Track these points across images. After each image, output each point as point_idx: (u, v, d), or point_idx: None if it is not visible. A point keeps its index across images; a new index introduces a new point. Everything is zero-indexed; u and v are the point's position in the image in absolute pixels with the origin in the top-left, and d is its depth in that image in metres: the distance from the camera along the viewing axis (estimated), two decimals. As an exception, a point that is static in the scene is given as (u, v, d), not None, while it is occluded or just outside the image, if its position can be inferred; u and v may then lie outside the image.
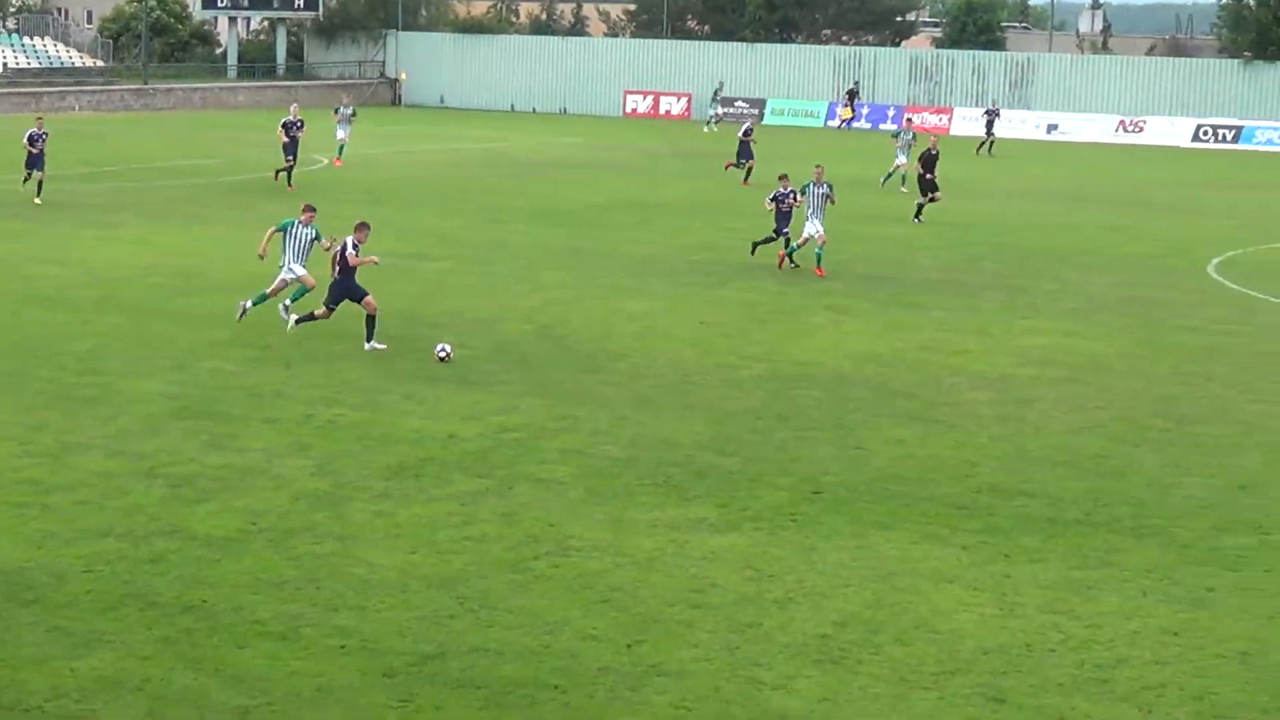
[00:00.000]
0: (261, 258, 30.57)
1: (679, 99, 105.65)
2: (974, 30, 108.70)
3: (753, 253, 39.90)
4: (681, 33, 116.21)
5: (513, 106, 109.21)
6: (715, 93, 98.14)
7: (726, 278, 37.64)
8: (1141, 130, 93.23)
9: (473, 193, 55.73)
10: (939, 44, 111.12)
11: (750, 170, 61.11)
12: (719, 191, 58.38)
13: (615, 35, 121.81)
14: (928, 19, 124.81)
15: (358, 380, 25.88)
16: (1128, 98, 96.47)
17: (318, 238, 29.59)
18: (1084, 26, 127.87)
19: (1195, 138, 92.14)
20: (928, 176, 49.58)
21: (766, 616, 16.01)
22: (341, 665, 14.51)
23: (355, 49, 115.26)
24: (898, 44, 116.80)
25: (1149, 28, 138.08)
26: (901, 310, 33.93)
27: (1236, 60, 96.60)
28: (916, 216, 49.68)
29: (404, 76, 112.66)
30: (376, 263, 28.72)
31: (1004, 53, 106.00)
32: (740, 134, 62.89)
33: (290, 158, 54.76)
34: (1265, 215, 55.93)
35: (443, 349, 27.27)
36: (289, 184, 53.96)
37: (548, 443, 22.44)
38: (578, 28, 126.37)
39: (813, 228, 37.95)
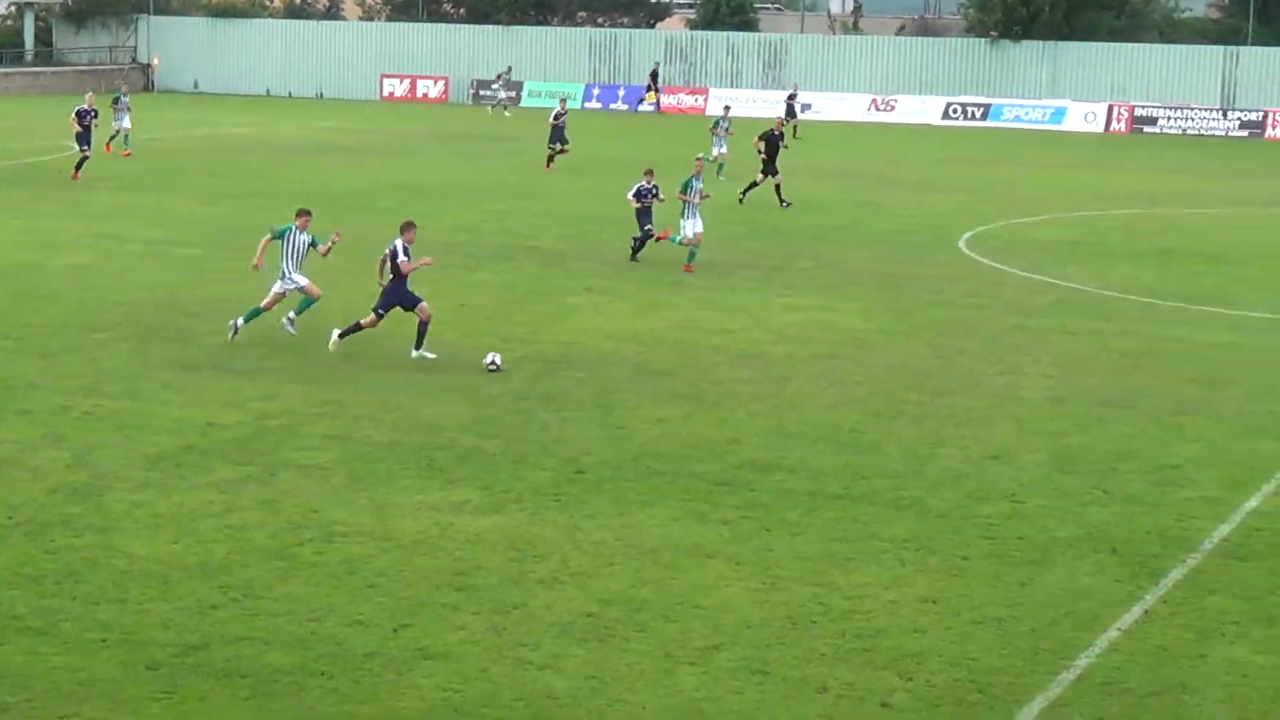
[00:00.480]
0: (257, 268, 28.22)
1: (436, 82, 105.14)
2: (727, 11, 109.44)
3: (634, 258, 37.89)
4: (437, 16, 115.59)
5: (268, 91, 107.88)
6: (500, 75, 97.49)
7: (485, 260, 37.60)
8: (893, 109, 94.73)
9: (230, 178, 55.03)
10: (693, 25, 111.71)
11: (552, 157, 60.03)
12: (476, 174, 58.28)
13: (371, 19, 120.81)
14: (681, 1, 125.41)
15: (116, 369, 25.48)
16: (879, 77, 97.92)
17: (314, 244, 27.56)
18: (835, 8, 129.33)
19: (945, 115, 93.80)
20: (765, 156, 49.28)
21: (532, 597, 16.08)
22: (103, 659, 14.30)
23: (106, 34, 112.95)
24: (653, 26, 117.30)
25: (899, 8, 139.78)
26: (661, 290, 34.18)
27: (984, 39, 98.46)
28: (781, 201, 49.33)
29: (157, 62, 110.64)
30: (430, 264, 27.61)
31: (757, 34, 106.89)
32: (551, 119, 61.48)
33: (85, 147, 53.36)
34: (1013, 191, 57.17)
35: (492, 360, 26.07)
36: (75, 174, 52.46)
37: (309, 428, 22.30)
38: (333, 11, 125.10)
39: (693, 227, 36.76)
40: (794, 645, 15.01)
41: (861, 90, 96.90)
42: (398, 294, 26.59)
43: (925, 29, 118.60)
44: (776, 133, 50.29)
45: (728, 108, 66.35)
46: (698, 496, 19.55)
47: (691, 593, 16.30)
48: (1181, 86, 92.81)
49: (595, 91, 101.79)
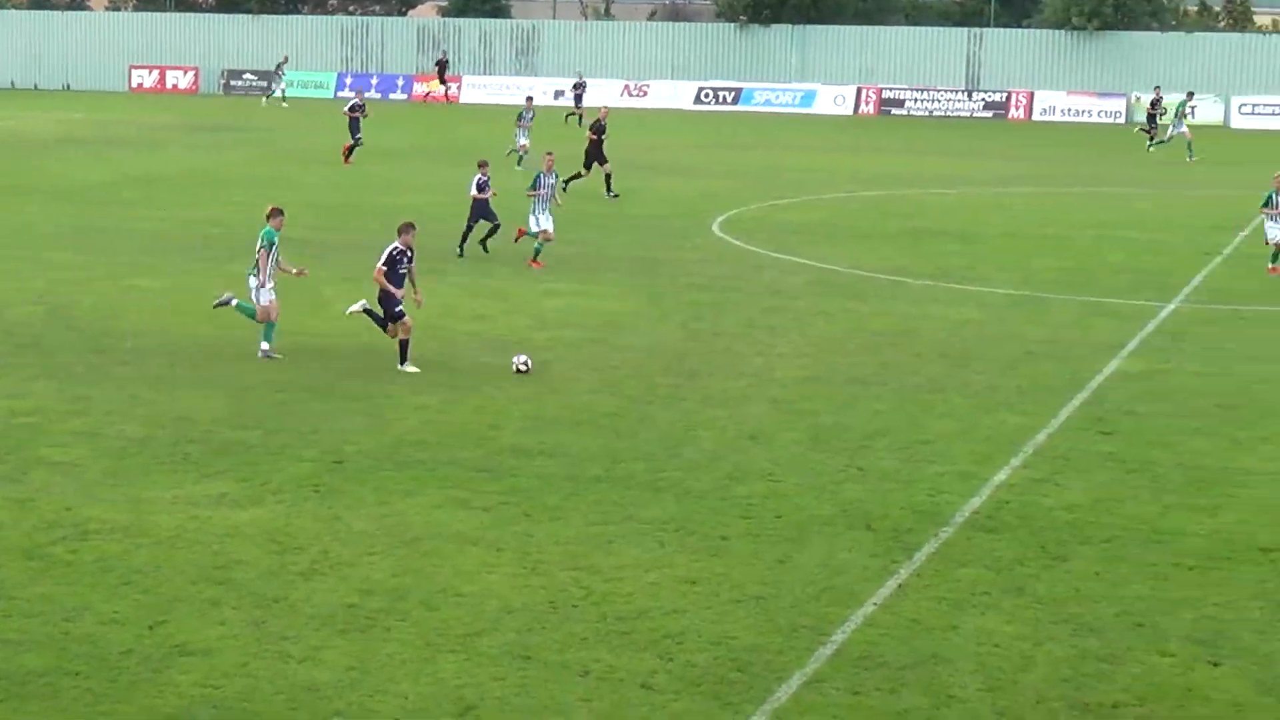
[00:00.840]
0: (302, 274, 27.40)
1: (186, 73, 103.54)
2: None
3: (485, 249, 37.40)
4: (186, 5, 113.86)
5: (13, 84, 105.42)
6: (279, 66, 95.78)
7: (239, 253, 37.11)
8: (646, 94, 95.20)
9: (-29, 172, 53.77)
10: (445, 13, 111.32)
11: (350, 151, 58.62)
12: (227, 166, 57.55)
13: (118, 9, 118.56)
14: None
15: None
16: (631, 62, 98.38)
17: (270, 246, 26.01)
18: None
19: (697, 100, 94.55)
20: (595, 141, 48.89)
21: (292, 589, 15.96)
22: None
23: None
24: (404, 13, 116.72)
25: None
26: (420, 278, 33.92)
27: (734, 24, 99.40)
28: (609, 191, 48.86)
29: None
30: (304, 273, 27.11)
31: (510, 20, 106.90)
32: (346, 110, 60.12)
33: None
34: (764, 174, 57.81)
35: (524, 361, 25.52)
36: None
37: (61, 425, 21.90)
38: (79, 2, 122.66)
39: (548, 222, 36.30)
40: (555, 629, 15.08)
41: (615, 76, 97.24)
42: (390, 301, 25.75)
43: (676, 14, 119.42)
44: (603, 121, 50.25)
45: (530, 98, 65.67)
46: (458, 484, 19.54)
47: (453, 580, 16.30)
48: (927, 69, 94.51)
49: (348, 80, 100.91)
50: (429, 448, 21.15)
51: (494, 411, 23.12)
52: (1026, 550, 17.58)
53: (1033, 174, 59.75)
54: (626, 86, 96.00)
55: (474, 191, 37.09)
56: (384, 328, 26.15)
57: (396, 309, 25.79)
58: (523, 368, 25.44)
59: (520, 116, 59.74)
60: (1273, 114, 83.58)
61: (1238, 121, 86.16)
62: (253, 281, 26.42)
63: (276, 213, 26.36)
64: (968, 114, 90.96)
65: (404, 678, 13.96)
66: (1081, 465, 20.92)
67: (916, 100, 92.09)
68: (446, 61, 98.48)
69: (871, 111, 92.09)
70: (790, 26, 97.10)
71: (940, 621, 15.47)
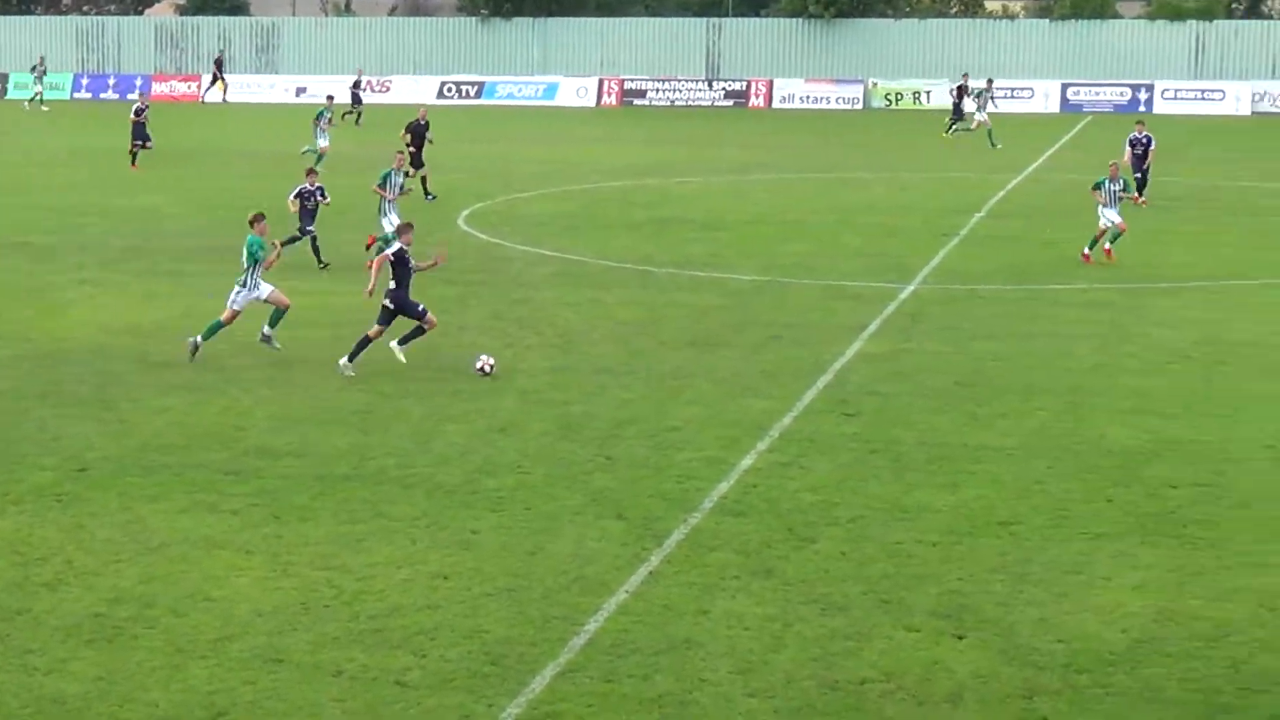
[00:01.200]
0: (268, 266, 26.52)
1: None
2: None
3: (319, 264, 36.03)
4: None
5: None
6: (34, 68, 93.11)
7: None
8: (388, 89, 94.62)
9: None
10: (183, 11, 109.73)
11: (135, 154, 56.74)
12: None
13: None
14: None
15: None
16: (375, 58, 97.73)
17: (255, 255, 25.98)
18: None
19: (440, 95, 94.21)
20: (412, 150, 47.89)
21: (36, 600, 15.66)
22: None
23: None
24: (141, 12, 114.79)
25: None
26: (160, 280, 33.57)
27: (475, 18, 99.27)
28: (426, 194, 47.16)
29: None
30: (443, 261, 26.74)
31: (249, 18, 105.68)
32: (132, 114, 58.05)
33: None
34: (509, 167, 57.81)
35: (485, 363, 25.13)
36: None
37: None
38: None
39: (388, 223, 35.18)
40: (307, 631, 14.97)
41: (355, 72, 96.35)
42: (401, 300, 25.32)
43: (417, 9, 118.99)
44: (422, 122, 49.41)
45: (331, 96, 64.49)
46: (205, 487, 19.30)
47: (202, 585, 16.11)
48: (668, 59, 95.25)
49: (84, 81, 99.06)
50: (174, 451, 20.87)
51: (239, 412, 22.87)
52: (774, 533, 17.82)
53: (773, 161, 60.51)
54: (369, 82, 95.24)
55: (291, 199, 35.52)
56: (423, 331, 25.77)
57: (418, 308, 25.52)
58: (487, 369, 25.10)
59: (319, 116, 57.66)
60: (1005, 97, 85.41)
61: (971, 106, 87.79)
62: (239, 290, 26.18)
63: (259, 218, 26.28)
64: (709, 103, 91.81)
65: (154, 686, 13.77)
66: (826, 447, 21.26)
67: (658, 91, 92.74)
68: (222, 60, 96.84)
69: (614, 103, 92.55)
70: (531, 20, 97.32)
71: (691, 606, 15.63)
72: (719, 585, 16.22)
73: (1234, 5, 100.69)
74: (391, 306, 25.37)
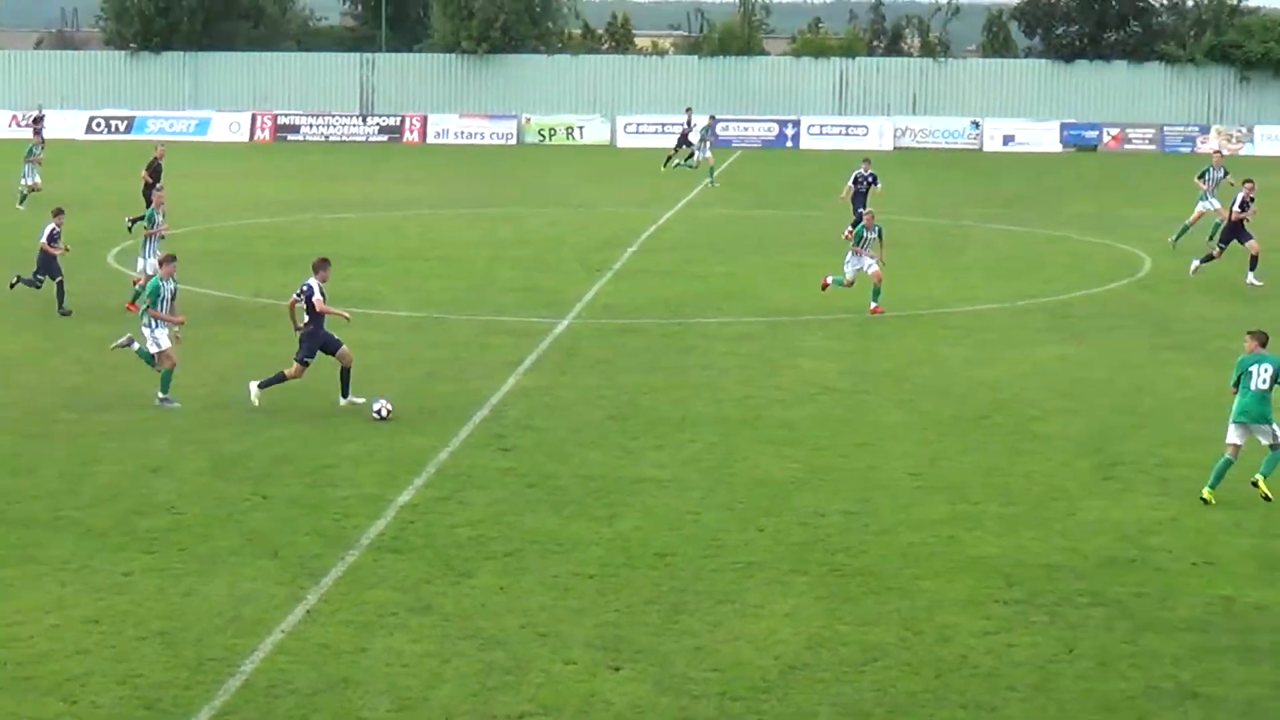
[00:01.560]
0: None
1: None
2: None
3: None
4: None
5: None
6: None
7: None
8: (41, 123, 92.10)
9: None
10: None
11: (26, 195, 54.50)
12: None
13: None
14: None
15: None
16: (21, 91, 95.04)
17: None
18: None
19: (89, 130, 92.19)
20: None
21: None
22: None
23: None
24: None
25: (38, 21, 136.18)
26: None
27: (124, 51, 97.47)
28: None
29: None
30: (347, 318, 25.93)
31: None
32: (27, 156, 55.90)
33: None
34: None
35: (381, 407, 24.55)
36: None
37: None
38: None
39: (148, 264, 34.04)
40: (-49, 680, 14.60)
41: (15, 106, 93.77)
42: (318, 337, 25.10)
43: (64, 41, 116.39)
44: (159, 161, 48.74)
45: (39, 131, 62.30)
46: None
47: None
48: (322, 94, 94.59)
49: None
50: None
51: (-121, 458, 22.19)
52: (432, 569, 17.89)
53: (428, 196, 60.53)
54: (15, 117, 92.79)
55: (44, 241, 34.51)
56: (283, 378, 25.42)
57: (301, 350, 25.31)
58: (384, 413, 24.70)
59: (30, 152, 56.25)
60: (656, 132, 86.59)
61: (624, 140, 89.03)
62: (146, 332, 25.70)
63: (169, 259, 26.20)
64: (363, 138, 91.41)
65: None
66: (482, 482, 21.39)
67: (312, 125, 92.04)
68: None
69: (267, 138, 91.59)
70: (183, 53, 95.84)
71: (349, 645, 15.62)
72: (377, 623, 16.23)
73: (875, 43, 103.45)
74: (314, 342, 25.36)
